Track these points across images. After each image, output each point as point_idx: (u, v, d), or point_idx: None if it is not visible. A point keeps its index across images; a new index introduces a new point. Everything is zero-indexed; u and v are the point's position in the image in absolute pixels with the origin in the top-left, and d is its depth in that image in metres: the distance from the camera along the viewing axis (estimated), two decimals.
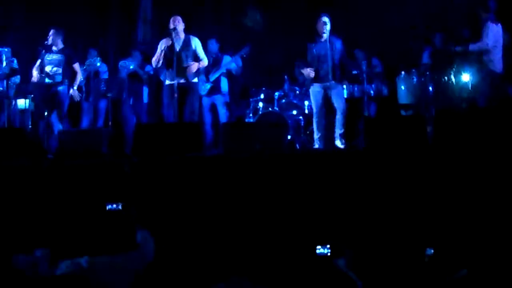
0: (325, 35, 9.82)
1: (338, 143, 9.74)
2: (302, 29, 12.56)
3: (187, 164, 7.70)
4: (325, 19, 9.81)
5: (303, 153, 9.71)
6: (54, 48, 10.64)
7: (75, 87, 10.67)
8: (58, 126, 10.42)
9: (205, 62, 10.08)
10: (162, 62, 9.87)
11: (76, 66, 10.71)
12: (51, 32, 10.61)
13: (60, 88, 10.52)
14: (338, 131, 9.79)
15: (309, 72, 9.89)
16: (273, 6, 13.16)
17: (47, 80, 10.53)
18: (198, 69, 10.00)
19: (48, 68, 10.58)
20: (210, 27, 13.18)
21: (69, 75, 10.62)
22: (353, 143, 10.00)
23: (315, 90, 9.89)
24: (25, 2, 13.57)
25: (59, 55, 10.61)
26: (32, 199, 7.57)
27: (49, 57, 10.61)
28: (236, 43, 12.04)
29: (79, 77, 10.77)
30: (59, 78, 10.53)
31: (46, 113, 10.47)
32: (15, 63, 11.89)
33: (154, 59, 9.99)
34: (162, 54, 9.81)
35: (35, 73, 10.63)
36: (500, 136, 7.43)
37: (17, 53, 12.07)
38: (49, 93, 10.50)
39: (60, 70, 10.53)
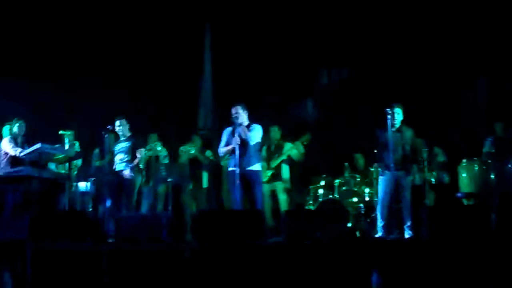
0: (396, 125, 9.81)
1: (407, 234, 9.60)
2: (360, 118, 12.69)
3: (249, 252, 7.66)
4: (398, 109, 9.82)
5: (365, 241, 9.57)
6: (122, 137, 10.83)
7: (130, 165, 10.71)
8: (125, 212, 10.48)
9: (250, 141, 9.71)
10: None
11: (139, 151, 10.80)
12: (119, 122, 10.79)
13: (128, 175, 10.64)
14: (407, 222, 9.68)
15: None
16: (334, 95, 13.25)
17: (118, 167, 10.72)
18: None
19: (119, 157, 10.77)
20: (273, 114, 13.28)
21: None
22: (415, 231, 9.84)
23: (385, 178, 9.82)
24: (88, 86, 13.83)
25: (127, 142, 10.80)
26: (91, 284, 7.61)
27: (118, 146, 10.84)
28: (298, 131, 12.10)
29: (137, 161, 10.80)
30: (128, 166, 10.67)
31: (108, 199, 10.57)
32: (77, 146, 12.07)
33: (220, 150, 9.96)
34: (228, 145, 9.77)
35: (106, 159, 10.79)
36: None
37: (79, 136, 12.26)
38: (119, 180, 10.63)
39: (128, 158, 10.70)
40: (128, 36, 13.99)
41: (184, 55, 14.04)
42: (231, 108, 9.86)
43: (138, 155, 10.74)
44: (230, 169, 9.78)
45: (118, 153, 10.81)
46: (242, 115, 9.78)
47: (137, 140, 10.92)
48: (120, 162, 10.73)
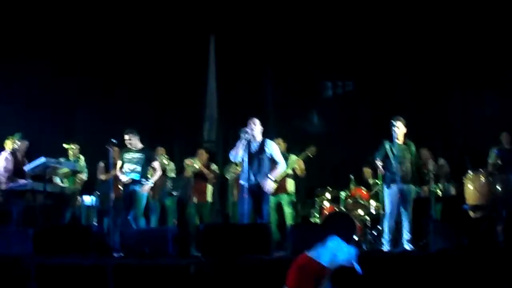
0: (400, 138, 9.76)
1: (407, 246, 9.52)
2: (369, 129, 12.61)
3: (255, 266, 7.62)
4: (399, 123, 9.76)
5: (373, 254, 9.46)
6: (133, 148, 10.77)
7: (150, 182, 10.69)
8: (134, 225, 10.45)
9: (282, 166, 9.77)
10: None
11: (156, 164, 10.80)
12: (128, 136, 10.70)
13: (138, 187, 10.59)
14: (406, 236, 9.61)
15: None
16: (338, 106, 13.19)
17: (126, 178, 10.65)
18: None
19: (129, 166, 10.69)
20: (274, 127, 13.22)
21: (146, 174, 10.73)
22: (420, 244, 9.77)
23: (392, 191, 9.70)
24: (92, 100, 13.84)
25: (139, 154, 10.72)
26: None
27: (128, 155, 10.74)
28: (301, 143, 12.06)
29: (158, 175, 10.79)
30: (137, 177, 10.62)
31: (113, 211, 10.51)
32: (82, 160, 12.06)
33: (233, 152, 9.74)
34: (241, 148, 9.56)
35: (114, 171, 10.73)
36: None
37: (84, 150, 12.24)
38: (127, 191, 10.61)
39: (139, 168, 10.64)
40: (132, 48, 13.97)
41: (189, 68, 14.02)
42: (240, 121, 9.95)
43: (157, 168, 10.70)
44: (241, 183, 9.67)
45: (127, 162, 10.73)
46: (257, 128, 9.73)
47: (151, 152, 10.95)
48: (130, 172, 10.67)
